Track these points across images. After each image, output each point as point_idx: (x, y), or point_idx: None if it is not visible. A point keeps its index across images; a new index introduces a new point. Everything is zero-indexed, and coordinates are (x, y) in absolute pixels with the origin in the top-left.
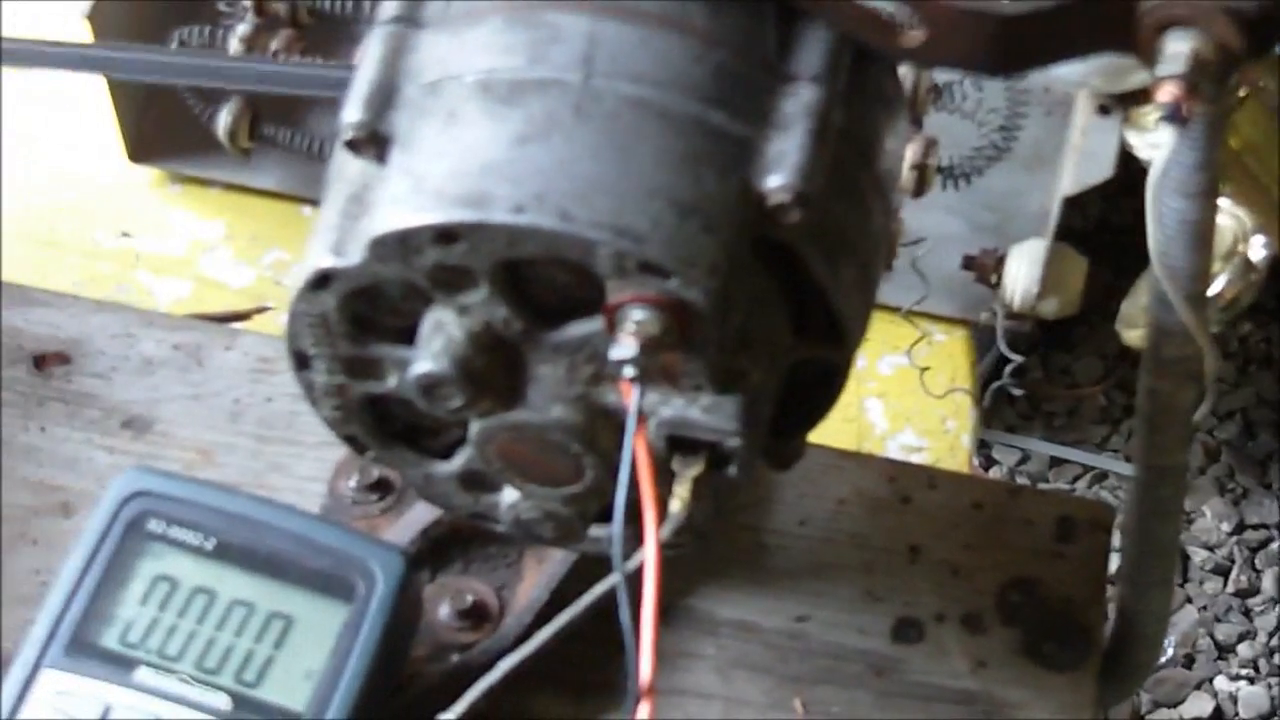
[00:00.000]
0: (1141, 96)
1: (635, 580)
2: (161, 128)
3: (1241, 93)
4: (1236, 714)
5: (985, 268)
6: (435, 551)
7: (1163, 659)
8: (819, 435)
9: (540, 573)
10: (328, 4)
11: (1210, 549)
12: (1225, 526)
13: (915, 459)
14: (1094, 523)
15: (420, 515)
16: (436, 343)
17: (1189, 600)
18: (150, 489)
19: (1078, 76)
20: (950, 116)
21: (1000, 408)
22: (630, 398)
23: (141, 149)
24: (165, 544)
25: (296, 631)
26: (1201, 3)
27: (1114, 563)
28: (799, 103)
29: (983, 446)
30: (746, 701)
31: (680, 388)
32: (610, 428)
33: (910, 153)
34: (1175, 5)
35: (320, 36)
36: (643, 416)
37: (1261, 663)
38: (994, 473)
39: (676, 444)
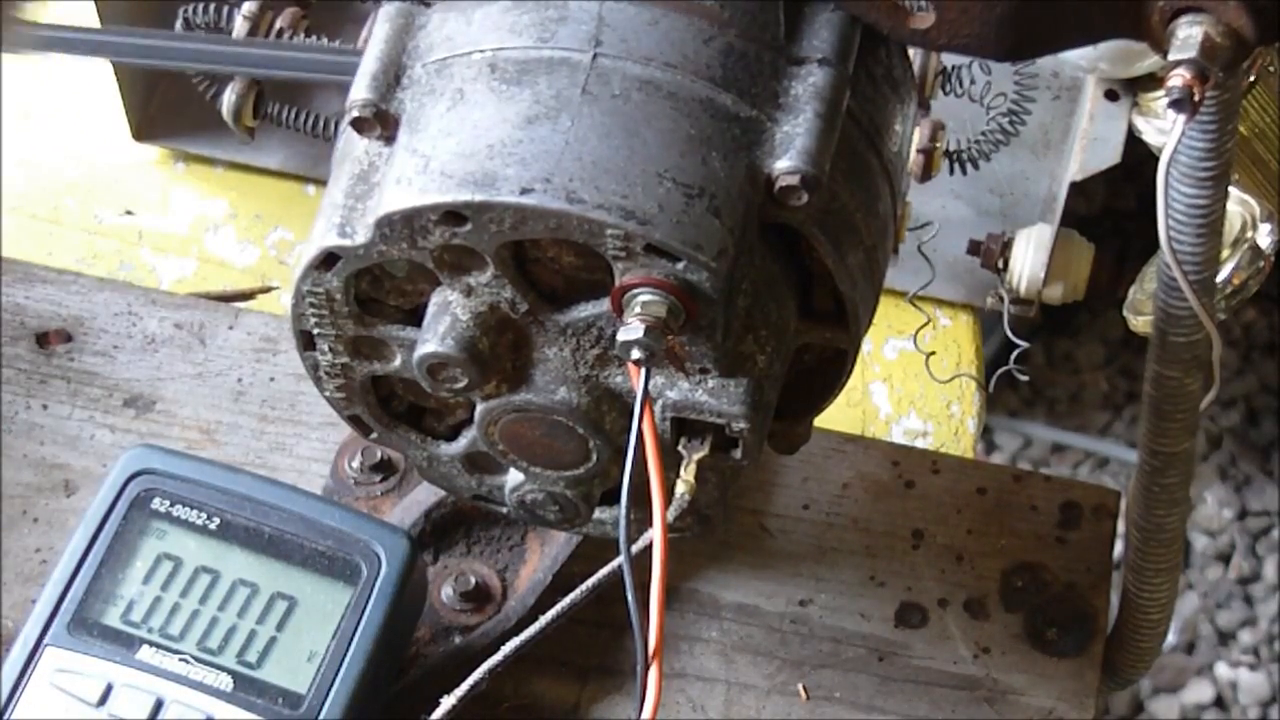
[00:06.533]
0: (1150, 82)
1: (638, 564)
2: (166, 106)
3: (1251, 78)
4: (1237, 700)
5: (991, 253)
6: (438, 533)
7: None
8: (823, 419)
9: (543, 555)
10: None
11: (1212, 535)
12: (1227, 513)
13: (919, 444)
14: (1099, 509)
15: (423, 497)
16: (442, 324)
17: (1190, 586)
18: (155, 467)
19: (1087, 61)
20: (958, 100)
21: (1002, 393)
22: (637, 380)
23: (146, 127)
24: (169, 523)
25: (299, 613)
26: None
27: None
28: (808, 85)
29: (985, 432)
30: (749, 685)
31: (687, 371)
32: (616, 410)
33: (918, 136)
34: None
35: (325, 14)
36: (649, 399)
37: (1262, 649)
38: (995, 458)
39: (682, 427)
